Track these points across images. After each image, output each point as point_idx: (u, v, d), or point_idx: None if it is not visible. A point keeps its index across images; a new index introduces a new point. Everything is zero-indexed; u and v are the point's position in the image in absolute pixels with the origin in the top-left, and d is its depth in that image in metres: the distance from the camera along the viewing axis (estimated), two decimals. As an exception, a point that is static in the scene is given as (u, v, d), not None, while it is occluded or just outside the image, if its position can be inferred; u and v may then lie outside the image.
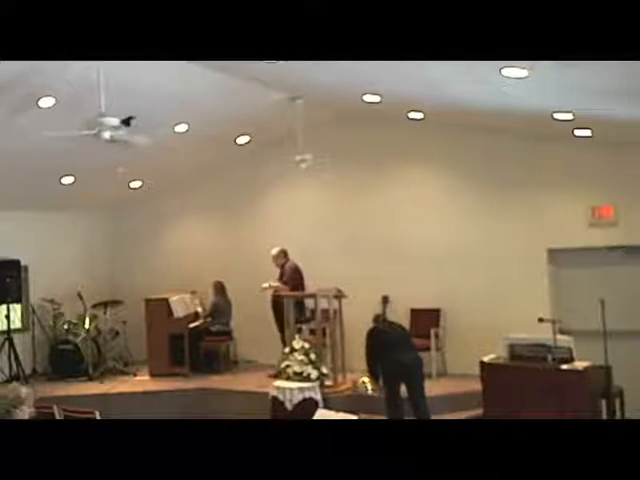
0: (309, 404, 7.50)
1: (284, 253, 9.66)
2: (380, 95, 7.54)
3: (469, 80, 5.87)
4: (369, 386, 8.21)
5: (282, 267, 9.58)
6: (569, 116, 6.84)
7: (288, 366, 7.91)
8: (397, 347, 7.31)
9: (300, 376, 7.80)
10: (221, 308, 10.28)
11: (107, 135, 5.55)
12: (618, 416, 6.89)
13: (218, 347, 10.16)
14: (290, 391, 7.69)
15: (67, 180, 9.50)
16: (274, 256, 9.64)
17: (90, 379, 9.72)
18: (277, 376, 8.58)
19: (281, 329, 9.24)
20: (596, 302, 6.85)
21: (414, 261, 9.38)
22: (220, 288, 10.34)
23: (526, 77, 5.34)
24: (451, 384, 8.57)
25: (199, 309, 10.55)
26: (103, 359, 10.23)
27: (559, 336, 6.72)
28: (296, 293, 9.15)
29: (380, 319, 7.82)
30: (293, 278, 9.39)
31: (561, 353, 6.74)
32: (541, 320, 6.62)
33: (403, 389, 7.32)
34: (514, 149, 8.73)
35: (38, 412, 5.61)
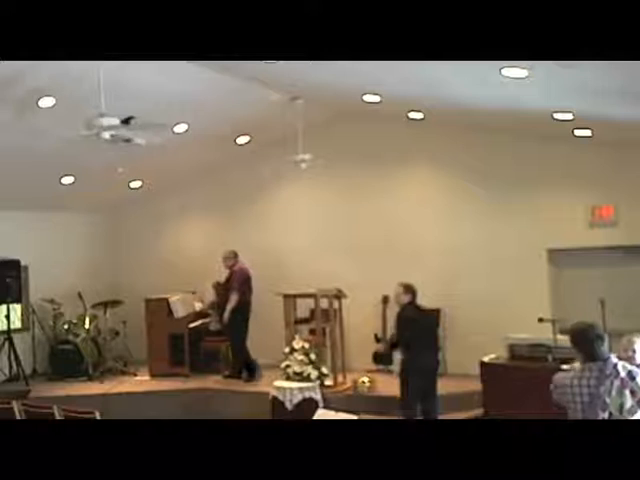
0: (309, 404, 7.50)
1: (234, 254, 9.65)
2: (380, 95, 7.54)
3: (469, 80, 5.87)
4: (368, 384, 8.23)
5: (231, 268, 9.56)
6: (569, 116, 6.84)
7: (288, 366, 7.91)
8: (427, 343, 6.99)
9: (300, 376, 7.80)
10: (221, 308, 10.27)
11: (107, 135, 5.55)
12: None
13: (218, 347, 10.15)
14: (290, 391, 7.69)
15: (67, 180, 9.50)
16: (224, 257, 9.62)
17: (90, 379, 9.71)
18: (230, 376, 9.14)
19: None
20: (596, 302, 6.85)
21: (414, 261, 9.37)
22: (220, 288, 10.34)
23: (526, 77, 5.34)
24: (451, 384, 8.56)
25: (199, 306, 10.53)
26: (103, 359, 10.21)
27: (559, 336, 6.72)
28: (295, 293, 9.14)
29: (412, 291, 7.16)
30: (241, 281, 9.41)
31: (561, 353, 6.73)
32: (541, 320, 6.62)
33: None
34: (514, 149, 8.73)
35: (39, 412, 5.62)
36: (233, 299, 9.32)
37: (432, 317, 7.72)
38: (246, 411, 7.92)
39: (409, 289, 7.14)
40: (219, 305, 9.67)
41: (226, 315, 9.33)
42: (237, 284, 9.39)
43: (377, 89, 7.26)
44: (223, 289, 9.59)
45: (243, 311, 9.42)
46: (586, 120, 7.01)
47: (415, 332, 6.93)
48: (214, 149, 9.85)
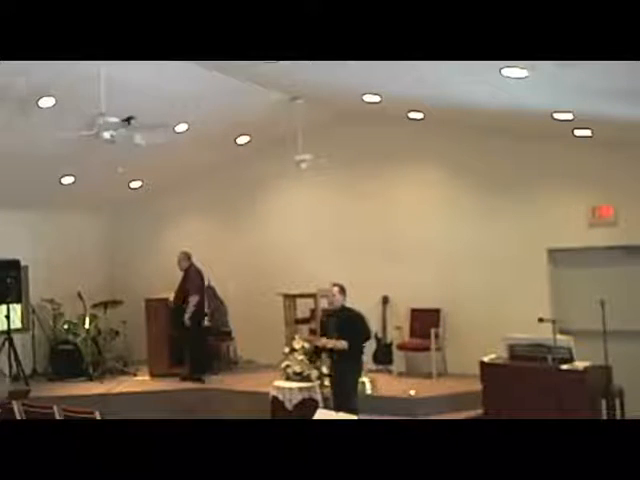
0: (309, 404, 7.50)
1: (187, 256, 9.66)
2: (380, 95, 7.54)
3: (469, 80, 5.87)
4: (368, 385, 8.22)
5: (186, 271, 9.58)
6: (569, 116, 6.84)
7: (288, 366, 7.90)
8: None
9: (300, 376, 7.79)
10: (219, 309, 10.29)
11: (107, 135, 5.55)
12: (618, 416, 6.89)
13: (218, 347, 10.15)
14: (290, 391, 7.69)
15: (67, 180, 9.50)
16: (178, 260, 9.65)
17: (90, 379, 9.71)
18: (186, 379, 9.21)
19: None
20: (596, 302, 6.84)
21: (414, 261, 9.37)
22: (213, 291, 10.35)
23: (526, 77, 5.34)
24: (451, 384, 8.57)
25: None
26: (103, 359, 10.22)
27: (559, 336, 6.72)
28: (295, 293, 9.15)
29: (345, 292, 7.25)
30: (195, 283, 9.43)
31: (561, 353, 6.73)
32: (541, 320, 6.62)
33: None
34: (514, 149, 8.73)
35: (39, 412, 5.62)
36: (192, 302, 9.33)
37: None
38: (246, 411, 7.91)
39: (344, 290, 7.14)
40: (177, 307, 9.59)
41: (187, 318, 9.34)
42: (194, 286, 9.42)
43: (377, 89, 7.26)
44: (178, 291, 9.58)
45: (200, 313, 9.47)
46: (586, 120, 7.00)
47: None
48: (214, 149, 9.85)
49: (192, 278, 9.49)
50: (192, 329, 9.41)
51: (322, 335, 7.15)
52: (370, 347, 9.22)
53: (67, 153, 8.17)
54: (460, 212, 9.22)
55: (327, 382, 8.03)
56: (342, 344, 6.83)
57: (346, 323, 6.96)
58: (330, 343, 6.86)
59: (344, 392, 6.91)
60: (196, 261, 9.72)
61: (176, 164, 10.05)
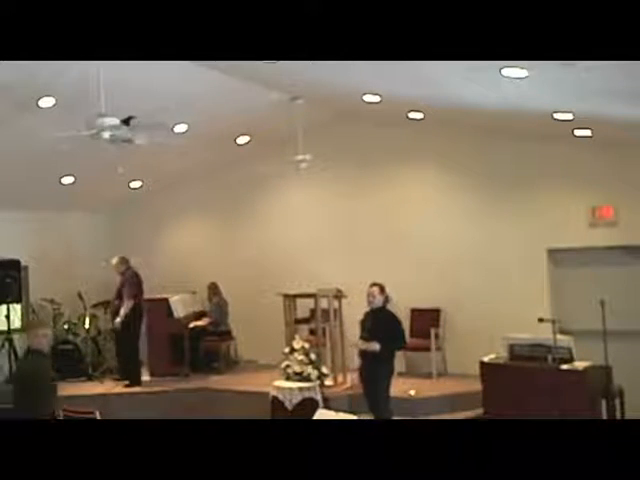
0: (309, 404, 7.50)
1: (125, 261, 9.66)
2: (380, 95, 7.54)
3: (469, 80, 5.87)
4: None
5: (123, 275, 9.56)
6: (569, 116, 6.84)
7: (288, 366, 7.91)
8: None
9: (300, 376, 7.80)
10: (222, 308, 10.30)
11: (107, 135, 5.54)
12: (618, 416, 6.88)
13: (218, 347, 10.15)
14: (290, 391, 7.69)
15: (67, 180, 9.50)
16: (115, 264, 9.63)
17: (90, 379, 9.72)
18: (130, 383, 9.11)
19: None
20: (596, 302, 6.85)
21: (414, 261, 9.37)
22: (216, 289, 10.35)
23: (526, 77, 5.33)
24: (451, 384, 8.57)
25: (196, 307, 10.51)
26: (103, 359, 10.22)
27: (559, 336, 6.72)
28: (295, 293, 9.13)
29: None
30: (130, 287, 9.40)
31: (561, 353, 6.74)
32: (541, 320, 6.62)
33: None
34: (514, 149, 8.73)
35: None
36: (127, 304, 9.28)
37: None
38: (246, 411, 7.91)
39: (384, 290, 7.12)
40: (115, 310, 9.54)
41: (118, 321, 9.30)
42: (130, 289, 9.38)
43: (377, 89, 7.26)
44: (116, 294, 9.56)
45: (136, 316, 9.42)
46: (586, 120, 7.00)
47: None
48: (214, 149, 9.85)
49: (128, 282, 9.45)
50: (126, 333, 9.33)
51: (362, 334, 7.05)
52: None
53: (67, 153, 8.14)
54: (460, 212, 9.22)
55: (327, 382, 8.06)
56: (374, 346, 6.74)
57: (380, 325, 6.89)
58: (363, 345, 6.77)
59: (374, 397, 6.86)
60: (134, 265, 9.70)
61: (176, 164, 10.04)
